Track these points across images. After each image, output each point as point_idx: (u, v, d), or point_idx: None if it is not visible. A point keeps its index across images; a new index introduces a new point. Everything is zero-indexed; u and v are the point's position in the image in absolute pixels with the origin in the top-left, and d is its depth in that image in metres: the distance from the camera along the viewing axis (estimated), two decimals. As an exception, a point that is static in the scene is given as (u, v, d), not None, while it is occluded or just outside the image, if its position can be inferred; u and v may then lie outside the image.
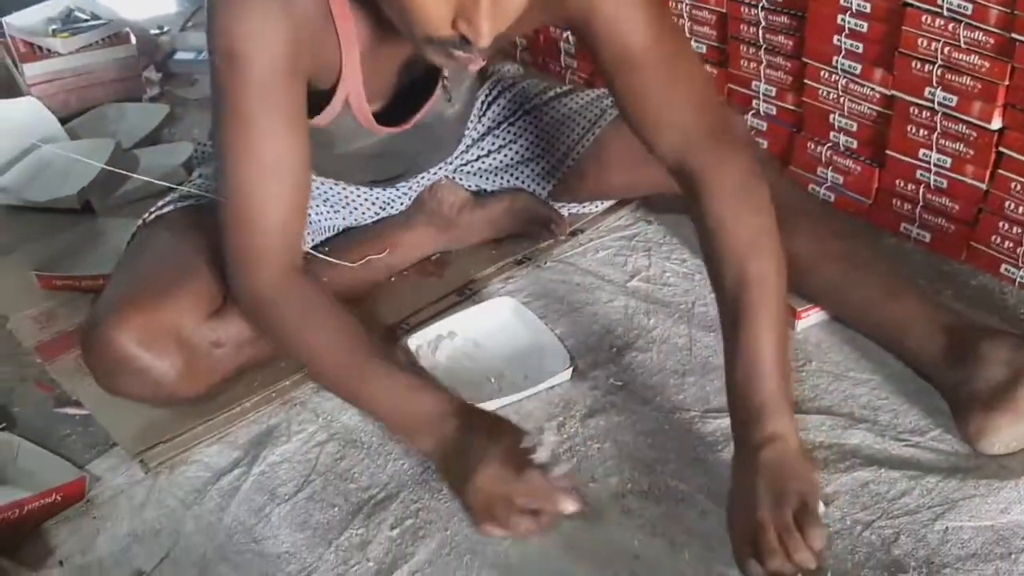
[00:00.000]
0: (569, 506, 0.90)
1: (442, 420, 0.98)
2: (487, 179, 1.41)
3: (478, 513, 0.93)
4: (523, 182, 1.40)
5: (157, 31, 2.22)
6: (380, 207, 1.36)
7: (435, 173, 1.38)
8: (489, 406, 1.12)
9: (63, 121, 1.81)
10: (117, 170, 1.50)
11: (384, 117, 1.14)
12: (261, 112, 0.98)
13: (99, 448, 1.13)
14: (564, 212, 1.42)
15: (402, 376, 1.02)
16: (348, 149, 1.19)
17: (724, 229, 1.00)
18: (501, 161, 1.40)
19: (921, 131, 1.31)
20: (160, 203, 1.24)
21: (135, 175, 1.42)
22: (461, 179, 1.40)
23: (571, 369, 1.17)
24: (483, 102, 1.40)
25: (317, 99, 1.07)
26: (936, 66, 1.25)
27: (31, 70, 1.89)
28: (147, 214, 1.24)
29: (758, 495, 0.88)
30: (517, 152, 1.40)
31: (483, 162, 1.40)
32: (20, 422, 1.18)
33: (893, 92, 1.33)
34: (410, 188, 1.37)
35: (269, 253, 1.03)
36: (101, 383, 1.12)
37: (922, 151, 1.32)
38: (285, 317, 1.04)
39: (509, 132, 1.40)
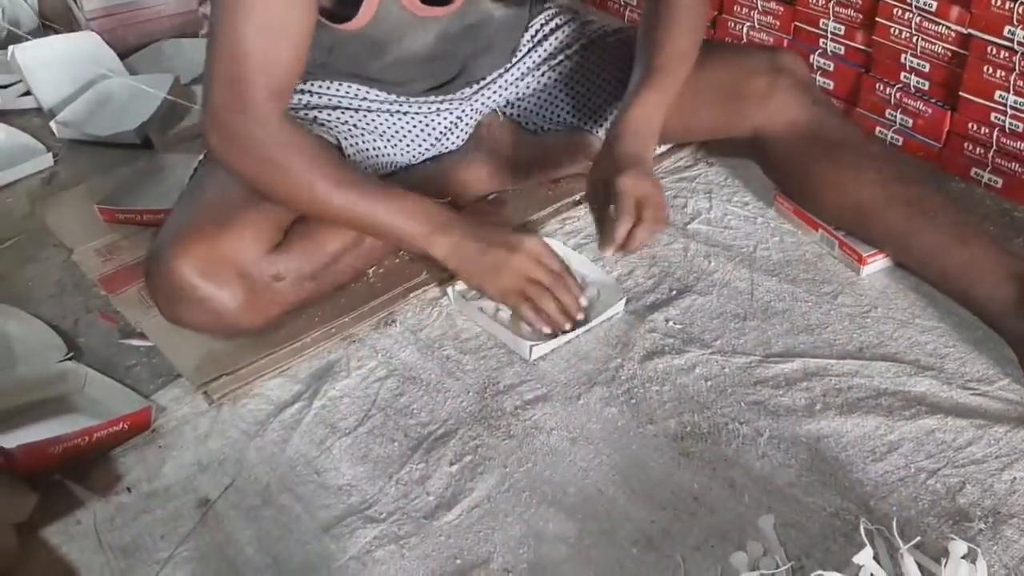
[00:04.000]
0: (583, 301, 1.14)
1: (451, 224, 1.11)
2: (544, 116, 1.39)
3: (510, 294, 1.12)
4: (579, 120, 1.38)
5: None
6: (436, 139, 1.35)
7: (489, 91, 1.35)
8: (551, 344, 1.13)
9: (121, 56, 1.82)
10: (180, 101, 1.50)
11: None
12: None
13: (164, 379, 1.15)
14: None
15: (403, 193, 1.12)
16: (399, 52, 1.20)
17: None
18: (557, 97, 1.38)
19: (998, 72, 1.27)
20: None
21: (200, 107, 1.42)
22: (518, 116, 1.39)
23: (624, 300, 1.17)
24: (537, 31, 1.38)
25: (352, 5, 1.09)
26: (1017, 3, 1.20)
27: (90, 4, 1.89)
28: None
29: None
30: (573, 88, 1.38)
31: (539, 97, 1.38)
32: (86, 352, 1.21)
33: (970, 30, 1.28)
34: (464, 112, 1.35)
35: (259, 92, 1.03)
36: (164, 312, 1.13)
37: (998, 93, 1.28)
38: (282, 157, 1.05)
39: (565, 67, 1.37)
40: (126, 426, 1.07)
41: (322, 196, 1.07)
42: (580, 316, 1.14)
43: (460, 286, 1.21)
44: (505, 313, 1.18)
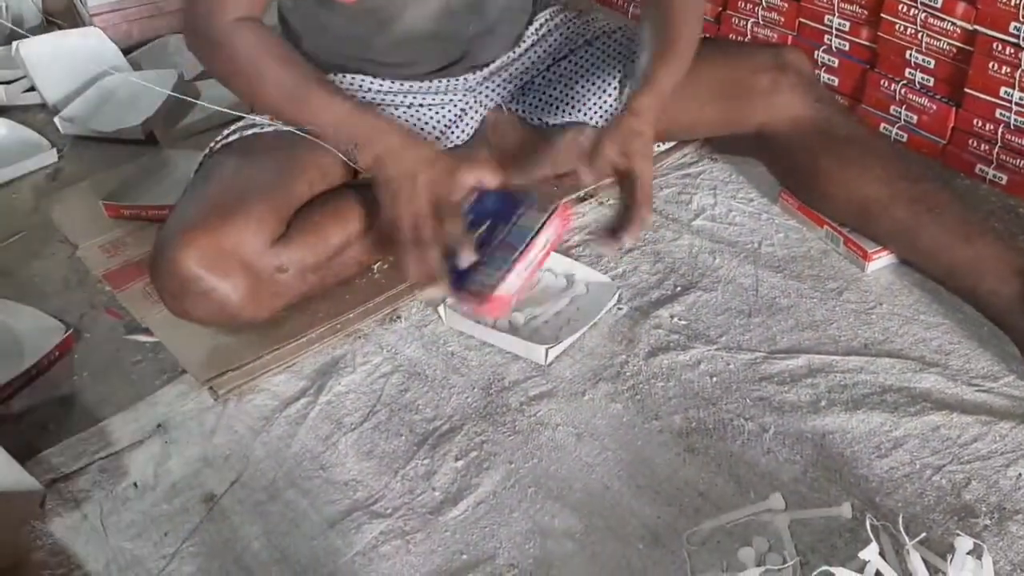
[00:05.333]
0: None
1: (383, 131, 1.11)
2: (549, 112, 1.39)
3: (388, 211, 1.07)
4: (584, 116, 1.38)
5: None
6: (440, 131, 1.35)
7: (492, 83, 1.35)
8: (559, 348, 1.12)
9: (125, 52, 1.82)
10: (184, 97, 1.50)
11: None
12: None
13: (169, 375, 1.15)
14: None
15: (349, 99, 1.14)
16: (401, 29, 1.21)
17: None
18: (563, 93, 1.38)
19: (1003, 68, 1.27)
20: (225, 132, 1.25)
21: (204, 103, 1.42)
22: (523, 112, 1.39)
23: (616, 296, 1.18)
24: (542, 25, 1.38)
25: None
26: (1024, -1, 1.20)
27: (93, 0, 1.89)
28: (213, 143, 1.25)
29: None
30: (579, 85, 1.37)
31: (544, 93, 1.38)
32: (91, 348, 1.21)
33: (975, 27, 1.28)
34: (468, 104, 1.35)
35: (233, 2, 1.11)
36: (168, 305, 1.13)
37: (1003, 89, 1.28)
38: (239, 52, 1.12)
39: (570, 63, 1.37)
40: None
41: (277, 98, 1.14)
42: (433, 291, 1.02)
43: (450, 300, 1.12)
44: (504, 321, 1.16)
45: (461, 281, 1.02)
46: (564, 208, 1.08)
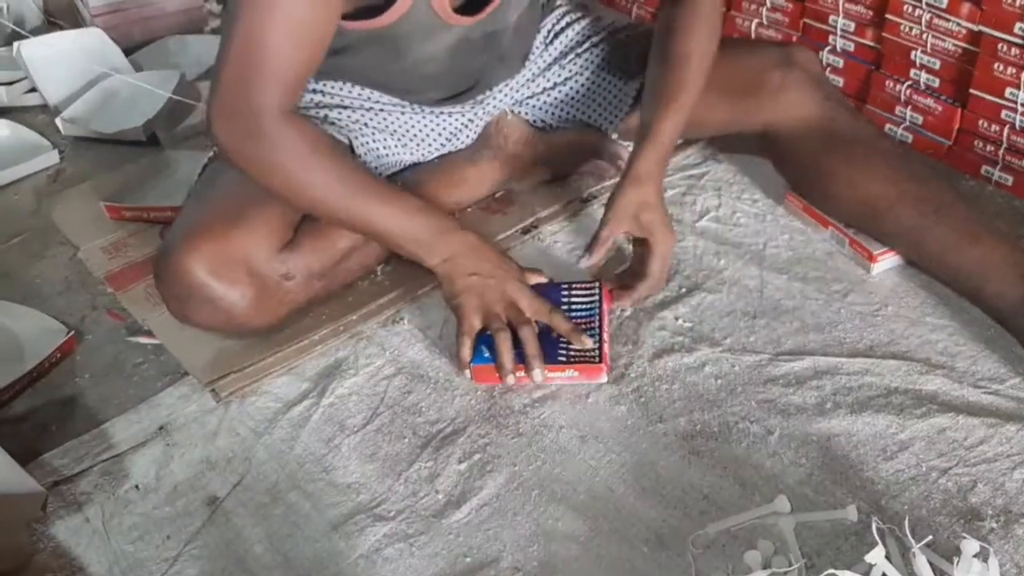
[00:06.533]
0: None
1: (451, 235, 1.09)
2: (553, 114, 1.39)
3: (469, 312, 1.08)
4: (590, 117, 1.38)
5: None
6: (446, 139, 1.35)
7: (500, 94, 1.35)
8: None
9: (126, 53, 1.82)
10: (185, 100, 1.50)
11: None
12: None
13: (171, 377, 1.15)
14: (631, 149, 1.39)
15: (409, 198, 1.10)
16: (415, 57, 1.18)
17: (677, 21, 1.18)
18: (567, 95, 1.37)
19: (1008, 69, 1.26)
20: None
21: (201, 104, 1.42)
22: (527, 114, 1.38)
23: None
24: (549, 31, 1.37)
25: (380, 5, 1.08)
26: (1029, 0, 1.19)
27: (94, 0, 1.89)
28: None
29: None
30: (583, 86, 1.37)
31: (549, 95, 1.38)
32: (93, 349, 1.20)
33: (980, 27, 1.27)
34: (476, 115, 1.35)
35: (271, 92, 1.00)
36: (173, 311, 1.13)
37: (1008, 90, 1.27)
38: (284, 146, 1.01)
39: (575, 64, 1.37)
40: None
41: (328, 199, 1.05)
42: (537, 376, 1.07)
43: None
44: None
45: (550, 358, 1.08)
46: (606, 286, 1.17)
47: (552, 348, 1.09)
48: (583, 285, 1.16)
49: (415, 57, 1.18)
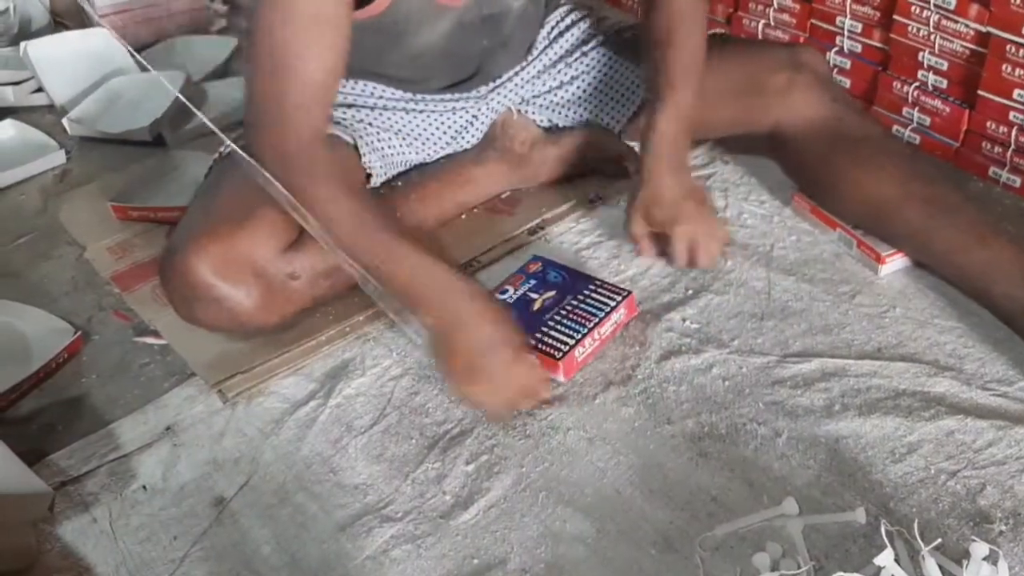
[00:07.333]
0: (544, 393, 1.05)
1: (450, 293, 1.03)
2: (559, 113, 1.38)
3: (460, 375, 1.01)
4: (597, 117, 1.37)
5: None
6: (451, 137, 1.35)
7: (505, 89, 1.35)
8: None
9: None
10: (189, 100, 1.50)
11: None
12: None
13: (177, 377, 1.15)
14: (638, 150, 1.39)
15: (419, 252, 1.03)
16: (416, 45, 1.19)
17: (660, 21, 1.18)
18: (573, 94, 1.37)
19: (1017, 70, 1.26)
20: (235, 135, 1.24)
21: (200, 114, 1.42)
22: (533, 113, 1.38)
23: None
24: (553, 27, 1.37)
25: None
26: (1038, 1, 1.19)
27: (101, 1, 1.89)
28: (222, 147, 1.24)
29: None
30: (590, 85, 1.37)
31: (555, 95, 1.38)
32: (100, 350, 1.20)
33: (988, 29, 1.27)
34: (480, 111, 1.34)
35: (303, 110, 1.01)
36: (179, 312, 1.13)
37: (1016, 91, 1.27)
38: (313, 182, 1.02)
39: (582, 64, 1.37)
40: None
41: (348, 236, 1.03)
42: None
43: None
44: None
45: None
46: (633, 297, 1.16)
47: (533, 327, 1.10)
48: (612, 289, 1.16)
49: (414, 44, 1.19)
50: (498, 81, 1.34)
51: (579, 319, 1.11)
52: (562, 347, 1.08)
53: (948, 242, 1.13)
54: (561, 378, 1.08)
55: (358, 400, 1.10)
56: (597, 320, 1.11)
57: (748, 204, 1.34)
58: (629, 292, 1.15)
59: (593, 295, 1.15)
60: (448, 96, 1.32)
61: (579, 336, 1.09)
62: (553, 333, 1.10)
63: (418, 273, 1.03)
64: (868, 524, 0.89)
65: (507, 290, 1.17)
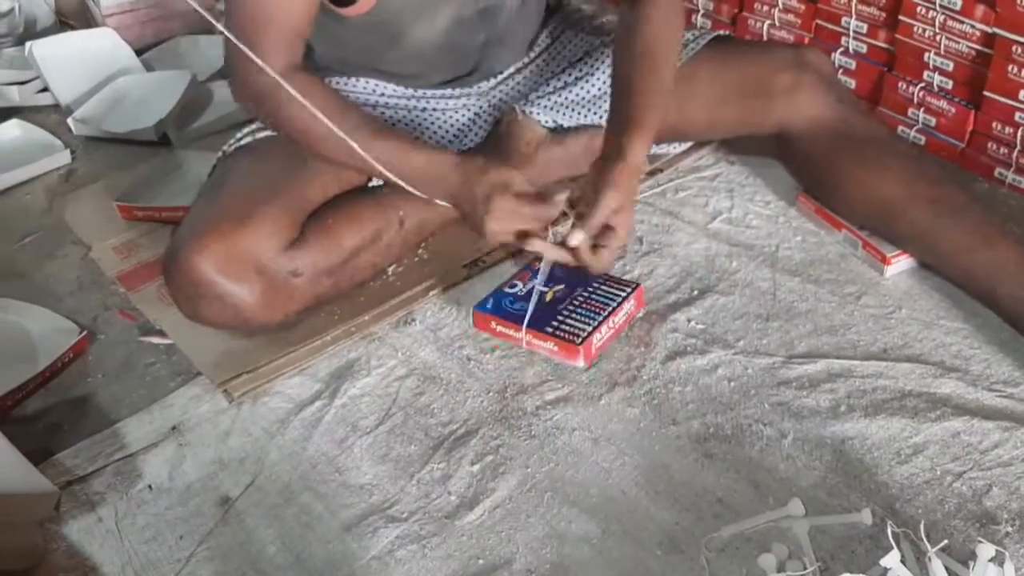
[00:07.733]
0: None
1: (453, 169, 1.10)
2: (564, 114, 1.38)
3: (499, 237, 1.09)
4: (601, 118, 1.37)
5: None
6: (454, 135, 1.35)
7: (506, 86, 1.35)
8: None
9: (137, 53, 1.82)
10: (195, 99, 1.50)
11: None
12: None
13: (183, 377, 1.15)
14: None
15: (407, 142, 1.12)
16: (413, 41, 1.20)
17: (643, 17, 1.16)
18: (578, 95, 1.37)
19: (1023, 71, 1.25)
20: (239, 135, 1.24)
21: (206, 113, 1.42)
22: (538, 114, 1.38)
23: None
24: (555, 27, 1.37)
25: None
26: (1045, 2, 1.19)
27: (106, 0, 1.89)
28: (226, 145, 1.24)
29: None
30: (594, 86, 1.37)
31: (560, 96, 1.38)
32: (105, 349, 1.21)
33: (995, 29, 1.27)
34: (482, 108, 1.34)
35: (275, 52, 1.06)
36: (182, 309, 1.13)
37: (1022, 92, 1.27)
38: (286, 104, 1.05)
39: (586, 65, 1.37)
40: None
41: (340, 147, 1.06)
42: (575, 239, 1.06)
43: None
44: None
45: (539, 325, 1.12)
46: (641, 290, 1.17)
47: (547, 317, 1.12)
48: (620, 282, 1.18)
49: (411, 39, 1.20)
50: (499, 77, 1.34)
51: (593, 308, 1.13)
52: (580, 333, 1.10)
53: (954, 243, 1.13)
54: (581, 363, 1.10)
55: (363, 400, 1.10)
56: (611, 309, 1.13)
57: (753, 205, 1.33)
58: (638, 284, 1.17)
59: (603, 287, 1.16)
60: (449, 91, 1.32)
61: (595, 323, 1.11)
62: (569, 321, 1.12)
63: (411, 156, 1.11)
64: (874, 525, 0.89)
65: (516, 284, 1.18)
